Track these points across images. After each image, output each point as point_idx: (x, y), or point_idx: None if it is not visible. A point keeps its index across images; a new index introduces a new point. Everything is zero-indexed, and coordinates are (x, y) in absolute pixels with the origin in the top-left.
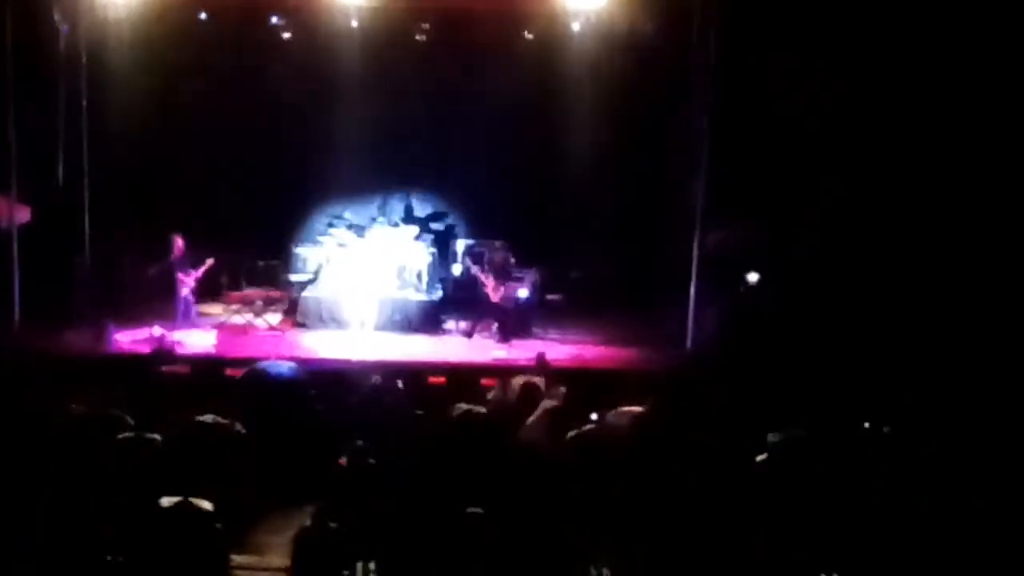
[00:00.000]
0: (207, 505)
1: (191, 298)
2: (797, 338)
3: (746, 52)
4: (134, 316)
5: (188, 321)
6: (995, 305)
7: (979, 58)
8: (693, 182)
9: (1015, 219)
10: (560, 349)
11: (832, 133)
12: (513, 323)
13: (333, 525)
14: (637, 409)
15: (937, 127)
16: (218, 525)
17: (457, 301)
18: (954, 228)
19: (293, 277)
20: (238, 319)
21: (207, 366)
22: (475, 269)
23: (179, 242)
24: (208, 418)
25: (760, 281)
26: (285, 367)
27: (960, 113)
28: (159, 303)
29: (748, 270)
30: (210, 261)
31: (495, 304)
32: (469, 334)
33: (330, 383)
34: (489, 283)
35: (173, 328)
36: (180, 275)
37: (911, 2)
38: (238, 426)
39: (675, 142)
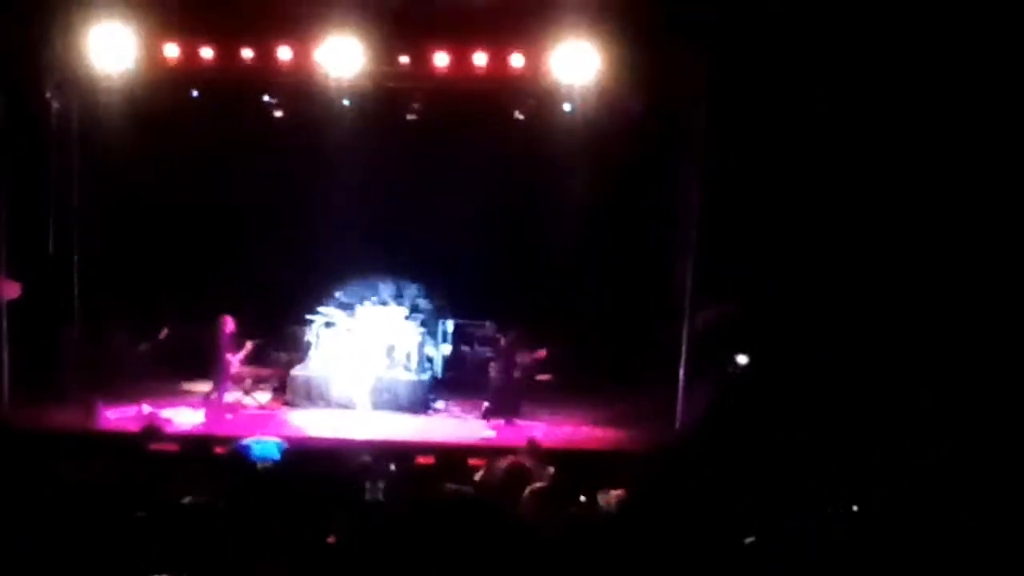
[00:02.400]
0: None
1: (231, 380)
2: (786, 421)
3: (735, 130)
4: (123, 393)
5: (220, 401)
6: (996, 381)
7: (972, 120)
8: (682, 261)
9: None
10: (550, 430)
11: (825, 209)
12: (502, 403)
13: None
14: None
15: (931, 196)
16: None
17: (447, 381)
18: (944, 305)
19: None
20: (227, 397)
21: (196, 444)
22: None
23: (228, 321)
24: (188, 499)
25: (749, 363)
26: (270, 444)
27: (953, 180)
28: (147, 380)
29: (737, 350)
30: (250, 344)
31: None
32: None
33: (319, 462)
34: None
35: (210, 408)
36: (227, 355)
37: (900, 67)
38: (221, 504)
39: (665, 221)
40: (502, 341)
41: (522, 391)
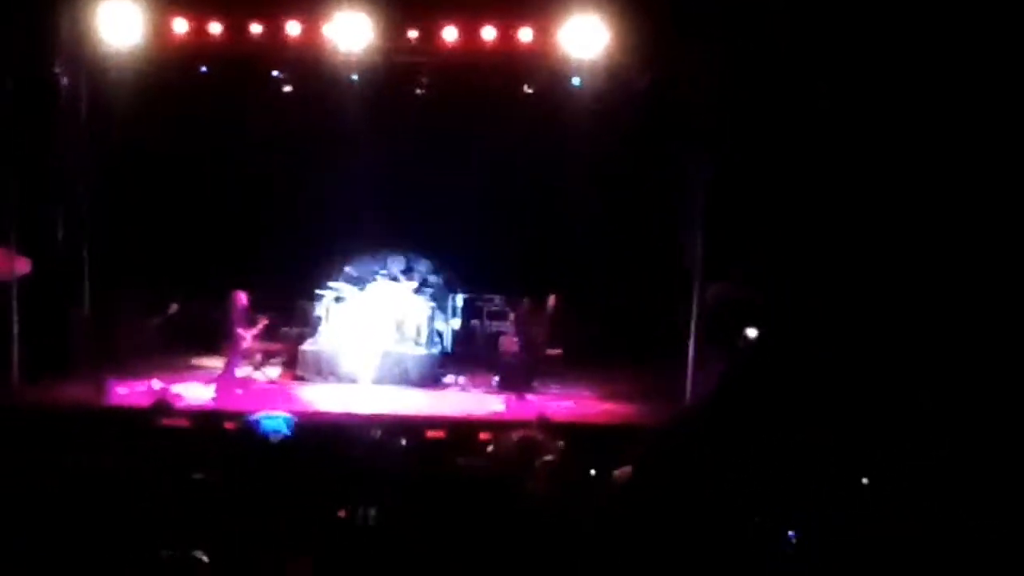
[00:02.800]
0: (205, 558)
1: (241, 356)
2: (796, 395)
3: (745, 103)
4: (133, 369)
5: (233, 378)
6: (1005, 370)
7: (977, 126)
8: (692, 234)
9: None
10: (560, 404)
11: (834, 184)
12: (512, 377)
13: None
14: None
15: (939, 178)
16: None
17: (456, 356)
18: (956, 286)
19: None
20: (237, 372)
21: (206, 419)
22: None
23: (241, 297)
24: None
25: (759, 336)
26: (279, 419)
27: (962, 174)
28: (158, 356)
29: (747, 324)
30: (264, 321)
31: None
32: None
33: (329, 436)
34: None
35: (221, 383)
36: (239, 331)
37: (908, 52)
38: (231, 479)
39: (674, 194)
40: (511, 315)
41: (532, 365)
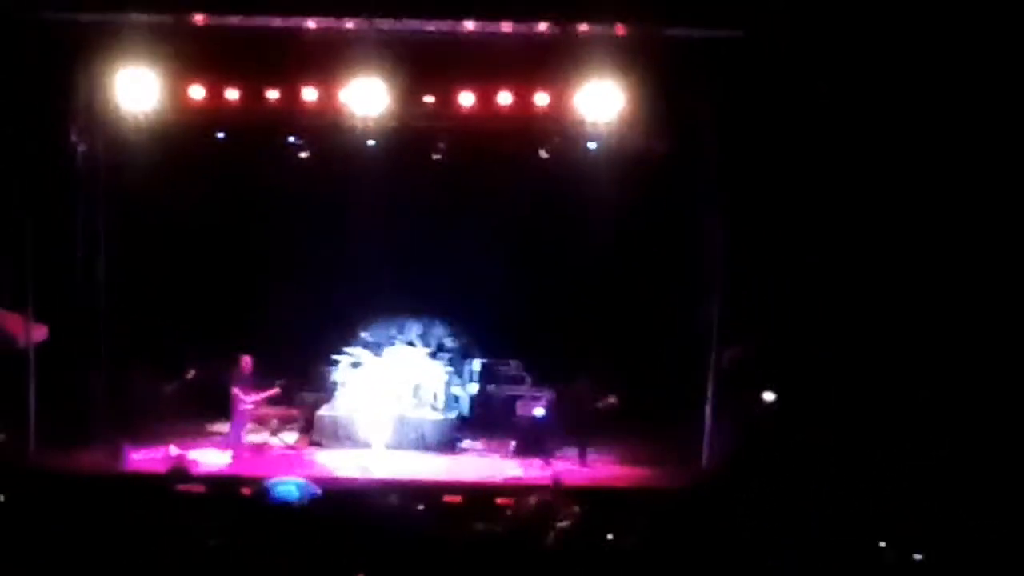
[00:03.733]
0: None
1: (244, 419)
2: (813, 459)
3: (760, 165)
4: (150, 435)
5: (238, 441)
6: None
7: (976, 161)
8: (709, 299)
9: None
10: (575, 468)
11: (849, 249)
12: (529, 442)
13: None
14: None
15: (953, 236)
16: None
17: (473, 420)
18: (970, 344)
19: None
20: (254, 438)
21: (222, 485)
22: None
23: (245, 361)
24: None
25: (776, 400)
26: (292, 485)
27: (967, 220)
28: (174, 422)
29: (764, 388)
30: (275, 389)
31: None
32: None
33: (346, 502)
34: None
35: (225, 446)
36: (239, 394)
37: (914, 106)
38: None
39: (691, 258)
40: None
41: (549, 429)
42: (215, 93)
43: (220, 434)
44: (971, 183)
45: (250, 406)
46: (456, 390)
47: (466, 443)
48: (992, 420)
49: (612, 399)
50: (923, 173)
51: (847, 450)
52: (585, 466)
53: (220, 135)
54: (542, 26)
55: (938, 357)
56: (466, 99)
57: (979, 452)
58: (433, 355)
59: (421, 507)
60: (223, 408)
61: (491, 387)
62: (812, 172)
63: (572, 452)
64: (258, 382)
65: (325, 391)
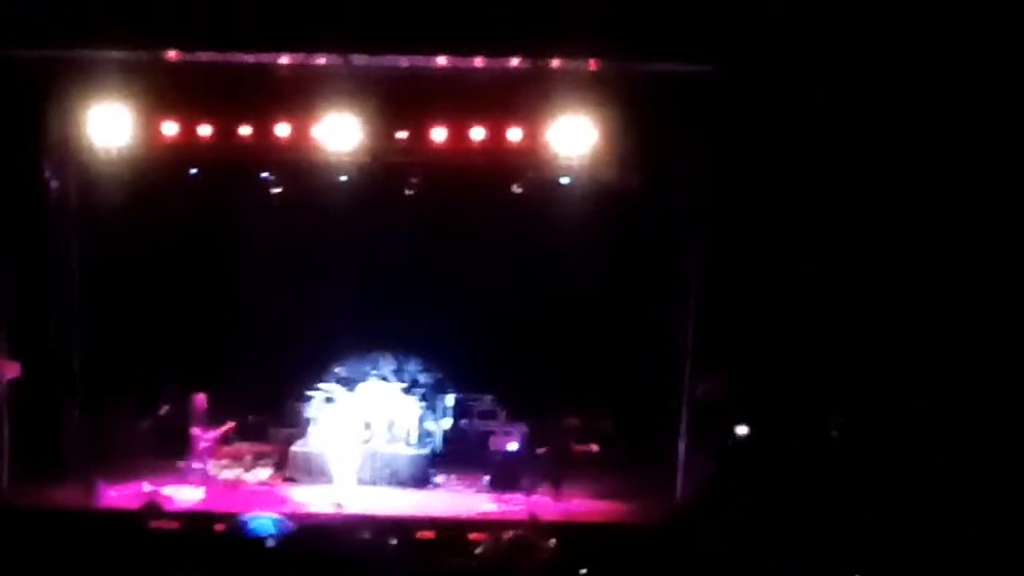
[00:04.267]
0: None
1: (204, 456)
2: (787, 493)
3: (733, 199)
4: (124, 471)
5: (194, 477)
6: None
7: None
8: (682, 332)
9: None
10: (550, 502)
11: (823, 283)
12: (502, 477)
13: None
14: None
15: (930, 269)
16: None
17: (447, 455)
18: (943, 375)
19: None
20: (227, 474)
21: (196, 522)
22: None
23: (200, 399)
24: None
25: (749, 434)
26: (267, 520)
27: (944, 251)
28: (149, 458)
29: (738, 422)
30: (231, 424)
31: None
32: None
33: (319, 538)
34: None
35: (175, 483)
36: (196, 431)
37: (892, 144)
38: None
39: (664, 292)
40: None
41: (523, 464)
42: (188, 129)
43: (194, 470)
44: (949, 215)
45: (208, 443)
46: (429, 425)
47: (439, 478)
48: (970, 462)
49: (594, 447)
50: (899, 206)
51: (819, 483)
52: (560, 501)
53: (193, 171)
54: (515, 61)
55: (910, 394)
56: (439, 134)
57: (955, 490)
58: (406, 390)
59: (394, 542)
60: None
61: (464, 422)
62: (787, 205)
63: (546, 487)
64: (213, 419)
65: (298, 427)
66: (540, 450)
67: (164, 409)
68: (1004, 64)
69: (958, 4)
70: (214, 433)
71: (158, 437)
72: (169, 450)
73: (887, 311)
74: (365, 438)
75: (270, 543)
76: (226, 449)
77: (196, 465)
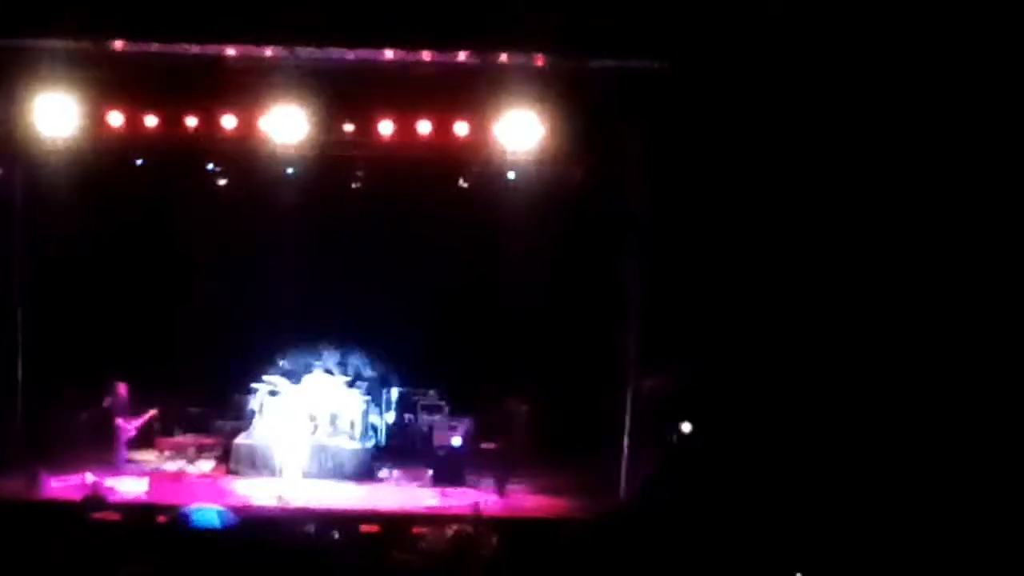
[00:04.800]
0: None
1: (125, 445)
2: (730, 488)
3: (679, 196)
4: (66, 462)
5: (122, 467)
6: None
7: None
8: (627, 328)
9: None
10: (493, 498)
11: (771, 280)
12: (446, 471)
13: None
14: None
15: (880, 268)
16: None
17: (391, 449)
18: (891, 371)
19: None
20: (170, 466)
21: (139, 513)
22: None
23: (121, 389)
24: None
25: (693, 431)
26: (211, 512)
27: (894, 252)
28: (91, 449)
29: (682, 418)
30: (152, 411)
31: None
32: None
33: (263, 530)
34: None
35: (110, 474)
36: (120, 421)
37: (841, 141)
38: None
39: (609, 289)
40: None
41: (467, 459)
42: (134, 120)
43: (137, 462)
44: (899, 213)
45: (133, 432)
46: (374, 419)
47: (383, 472)
48: (914, 457)
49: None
50: (847, 203)
51: (764, 481)
52: (503, 496)
53: (139, 162)
54: (462, 56)
55: (854, 390)
56: (386, 128)
57: (899, 486)
58: (351, 383)
59: (337, 536)
60: (141, 436)
61: (409, 416)
62: (733, 202)
63: (490, 482)
64: (135, 407)
65: (242, 419)
66: (485, 445)
67: (107, 401)
68: (959, 59)
69: (901, 6)
70: (137, 422)
71: (100, 429)
72: (112, 442)
73: (833, 309)
74: (309, 431)
75: (213, 534)
76: (169, 441)
77: (123, 455)
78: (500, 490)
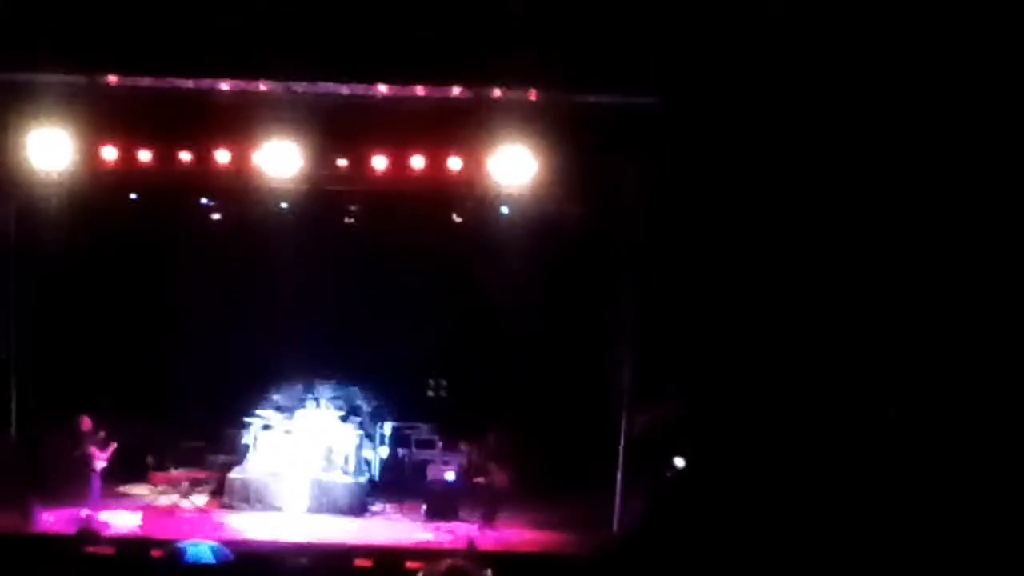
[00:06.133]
0: None
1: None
2: (725, 525)
3: (672, 230)
4: (59, 496)
5: (100, 499)
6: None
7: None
8: (621, 365)
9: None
10: (487, 532)
11: (763, 316)
12: (440, 505)
13: None
14: None
15: (869, 306)
16: None
17: (384, 484)
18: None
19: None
20: (164, 500)
21: (132, 547)
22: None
23: (86, 421)
24: None
25: (687, 466)
26: (205, 547)
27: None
28: (84, 484)
29: (675, 454)
30: (113, 445)
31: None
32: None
33: (257, 565)
34: (494, 471)
35: (96, 508)
36: (94, 451)
37: (833, 175)
38: None
39: (604, 323)
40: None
41: (460, 493)
42: (128, 154)
43: (131, 496)
44: (894, 248)
45: (103, 463)
46: (367, 453)
47: (377, 507)
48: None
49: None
50: (840, 239)
51: (757, 517)
52: (493, 530)
53: (133, 196)
54: (455, 90)
55: (848, 425)
56: (379, 162)
57: (902, 524)
58: (344, 418)
59: (332, 571)
60: (135, 470)
61: (402, 451)
62: (726, 238)
63: (479, 516)
64: (100, 438)
65: (236, 453)
66: (477, 479)
67: (100, 435)
68: (953, 84)
69: (892, 34)
70: (107, 452)
71: (95, 462)
72: (106, 475)
73: (825, 342)
74: (303, 466)
75: (208, 570)
76: (163, 475)
77: (96, 486)
78: (488, 522)
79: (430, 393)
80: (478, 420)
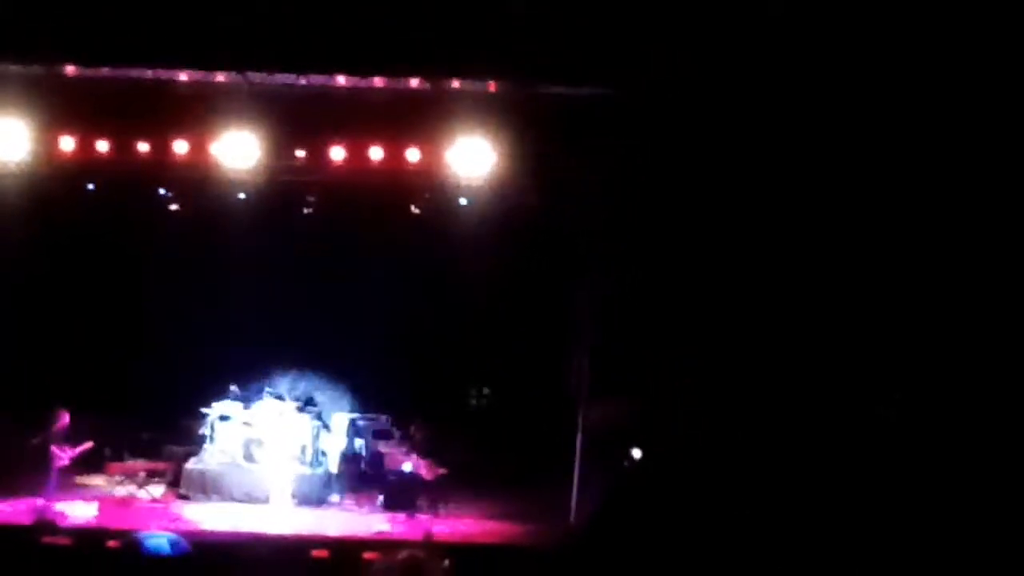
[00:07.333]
0: None
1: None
2: (681, 516)
3: (629, 221)
4: (14, 486)
5: (55, 494)
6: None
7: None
8: (578, 355)
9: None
10: (446, 524)
11: (721, 305)
12: (397, 497)
13: None
14: None
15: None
16: None
17: (341, 475)
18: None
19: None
20: (121, 491)
21: (89, 538)
22: (391, 447)
23: (64, 417)
24: None
25: (644, 457)
26: (162, 538)
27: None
28: (38, 473)
29: (632, 445)
30: (89, 443)
31: (428, 480)
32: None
33: (214, 556)
34: (419, 463)
35: (47, 498)
36: (55, 449)
37: (786, 165)
38: None
39: (561, 314)
40: (414, 435)
41: (418, 484)
42: (86, 145)
43: (88, 486)
44: (847, 232)
45: (67, 462)
46: (325, 444)
47: (334, 497)
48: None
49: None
50: (795, 227)
51: (715, 505)
52: (440, 520)
53: (90, 187)
54: (414, 82)
55: (807, 416)
56: (337, 154)
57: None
58: (302, 409)
59: (289, 562)
60: (91, 461)
61: (359, 441)
62: (682, 227)
63: (433, 507)
64: (73, 437)
65: (193, 444)
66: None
67: (56, 425)
68: (921, 87)
69: (849, 27)
70: (73, 452)
71: (47, 455)
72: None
73: (785, 333)
74: (260, 456)
75: (166, 560)
76: (119, 465)
77: (53, 482)
78: (433, 512)
79: (388, 384)
80: (436, 411)
